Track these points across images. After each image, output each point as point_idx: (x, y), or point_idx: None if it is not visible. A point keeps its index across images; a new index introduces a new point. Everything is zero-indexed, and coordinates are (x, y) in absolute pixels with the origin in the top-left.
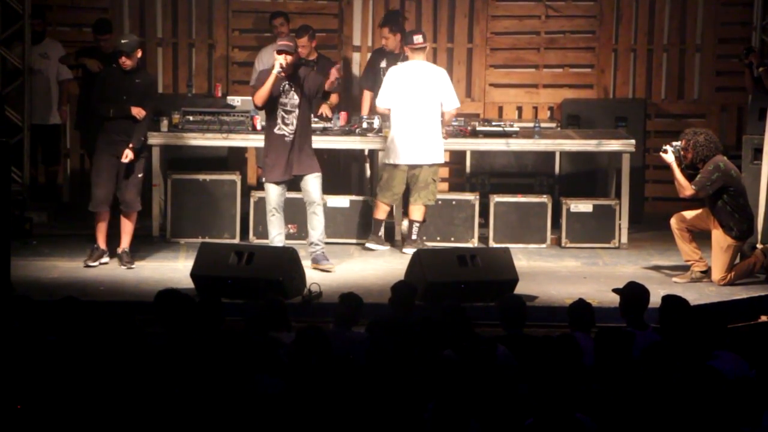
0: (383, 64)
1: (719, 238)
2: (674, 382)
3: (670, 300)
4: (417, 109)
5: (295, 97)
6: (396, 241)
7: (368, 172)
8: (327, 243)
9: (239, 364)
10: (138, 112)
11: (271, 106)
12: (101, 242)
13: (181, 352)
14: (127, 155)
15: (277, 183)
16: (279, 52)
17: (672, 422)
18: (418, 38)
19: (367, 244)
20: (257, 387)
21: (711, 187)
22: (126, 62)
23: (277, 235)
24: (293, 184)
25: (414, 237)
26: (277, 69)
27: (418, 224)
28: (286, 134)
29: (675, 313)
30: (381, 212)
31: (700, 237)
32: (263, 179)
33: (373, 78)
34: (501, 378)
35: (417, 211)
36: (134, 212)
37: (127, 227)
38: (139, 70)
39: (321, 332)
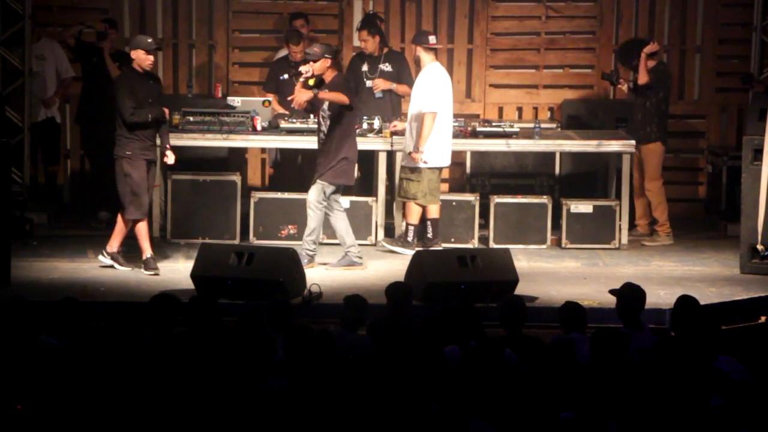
0: (365, 67)
1: None
2: (674, 382)
3: (682, 300)
4: (448, 111)
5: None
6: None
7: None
8: (328, 243)
9: (235, 364)
10: (167, 112)
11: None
12: (150, 249)
13: (178, 353)
14: (171, 157)
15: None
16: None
17: (670, 423)
18: (433, 38)
19: (396, 248)
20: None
21: None
22: (152, 61)
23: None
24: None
25: (436, 234)
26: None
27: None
28: (320, 138)
29: (686, 314)
30: (417, 216)
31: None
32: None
33: (354, 83)
34: (508, 379)
35: (437, 210)
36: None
37: (147, 232)
38: (148, 71)
39: (310, 331)
